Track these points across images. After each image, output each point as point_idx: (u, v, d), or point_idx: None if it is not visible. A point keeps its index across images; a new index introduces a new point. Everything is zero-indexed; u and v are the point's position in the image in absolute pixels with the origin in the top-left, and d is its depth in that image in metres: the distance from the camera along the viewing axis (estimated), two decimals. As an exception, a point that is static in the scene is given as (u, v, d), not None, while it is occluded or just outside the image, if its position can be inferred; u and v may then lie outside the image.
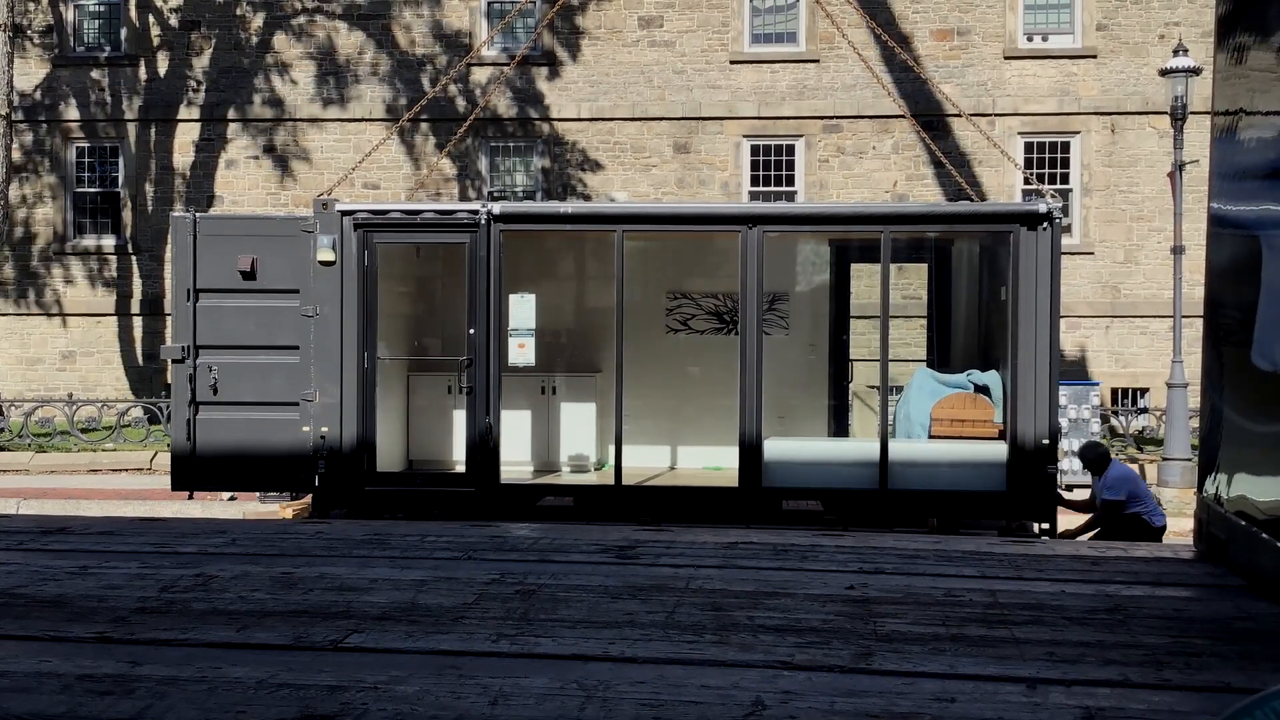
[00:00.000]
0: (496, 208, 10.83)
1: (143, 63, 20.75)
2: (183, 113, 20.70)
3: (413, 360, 12.53)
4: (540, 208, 10.90)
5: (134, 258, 20.82)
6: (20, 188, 20.43)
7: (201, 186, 20.73)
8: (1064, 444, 12.40)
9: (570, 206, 10.66)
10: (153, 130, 20.79)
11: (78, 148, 21.04)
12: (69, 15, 21.03)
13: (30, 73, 20.66)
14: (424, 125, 20.54)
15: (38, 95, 20.81)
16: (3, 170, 15.77)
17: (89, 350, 20.83)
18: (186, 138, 20.75)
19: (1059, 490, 10.84)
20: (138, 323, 20.78)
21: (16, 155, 19.49)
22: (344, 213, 10.87)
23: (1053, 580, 3.25)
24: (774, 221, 10.77)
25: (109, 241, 20.97)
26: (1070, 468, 13.56)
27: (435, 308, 12.79)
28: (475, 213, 10.80)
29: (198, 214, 11.06)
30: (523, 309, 11.18)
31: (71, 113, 20.86)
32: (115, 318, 20.80)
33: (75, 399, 18.62)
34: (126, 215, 20.91)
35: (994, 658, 2.58)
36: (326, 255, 10.81)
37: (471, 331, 10.89)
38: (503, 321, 11.00)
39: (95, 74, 20.87)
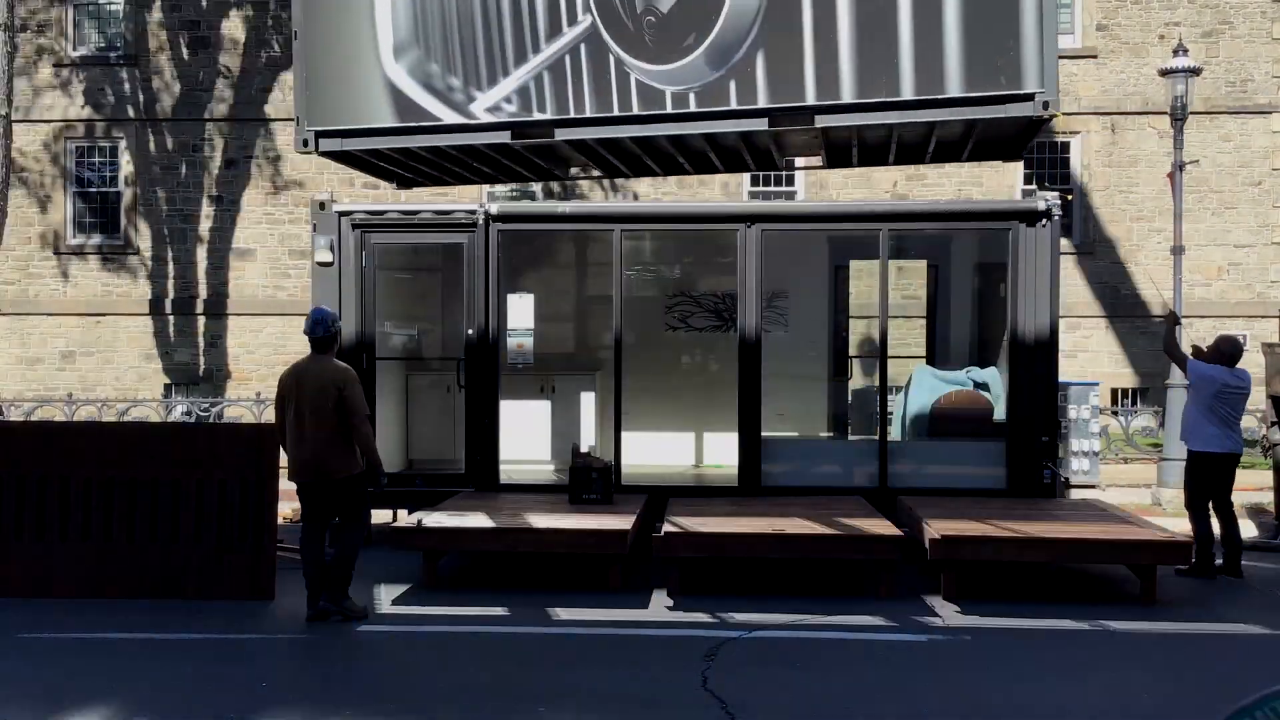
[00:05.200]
0: (494, 207, 10.84)
1: (143, 62, 20.75)
2: (181, 112, 20.70)
3: (412, 360, 12.53)
4: (538, 207, 10.91)
5: (134, 257, 20.82)
6: (20, 188, 20.43)
7: (200, 186, 20.73)
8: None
9: (568, 206, 10.67)
10: (152, 130, 20.79)
11: (78, 147, 21.05)
12: (69, 14, 21.04)
13: (31, 72, 20.67)
14: (424, 125, 20.53)
15: (38, 94, 20.81)
16: (3, 170, 15.77)
17: (89, 350, 20.83)
18: (185, 137, 20.75)
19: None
20: (138, 322, 20.78)
21: (16, 154, 19.49)
22: (341, 213, 10.88)
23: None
24: (772, 220, 10.77)
25: (109, 241, 20.97)
26: (1072, 466, 13.46)
27: (434, 307, 12.80)
28: (473, 212, 10.81)
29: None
30: (521, 308, 11.18)
31: (72, 112, 20.86)
32: (115, 318, 20.80)
33: (75, 399, 18.62)
34: (126, 215, 20.91)
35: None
36: (324, 256, 10.82)
37: (470, 331, 10.90)
38: (501, 321, 11.00)
39: (96, 73, 20.87)
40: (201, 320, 20.75)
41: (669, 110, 10.35)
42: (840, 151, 10.22)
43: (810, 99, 10.26)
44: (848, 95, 10.21)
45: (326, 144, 10.52)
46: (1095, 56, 19.70)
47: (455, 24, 10.65)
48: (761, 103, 10.30)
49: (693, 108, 10.37)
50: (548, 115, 10.53)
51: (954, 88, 10.09)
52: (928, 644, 7.17)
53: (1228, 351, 9.51)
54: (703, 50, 10.35)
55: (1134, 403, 19.40)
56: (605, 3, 10.50)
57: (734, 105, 10.33)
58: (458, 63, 10.64)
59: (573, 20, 10.52)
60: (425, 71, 10.71)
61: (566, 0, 10.49)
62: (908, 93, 10.17)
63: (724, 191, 20.05)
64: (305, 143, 10.67)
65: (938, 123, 10.01)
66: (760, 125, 10.25)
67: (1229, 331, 12.93)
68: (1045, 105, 9.74)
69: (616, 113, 10.35)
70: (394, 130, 10.54)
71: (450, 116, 10.64)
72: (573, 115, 10.39)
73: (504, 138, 10.50)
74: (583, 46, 10.50)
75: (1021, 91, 10.00)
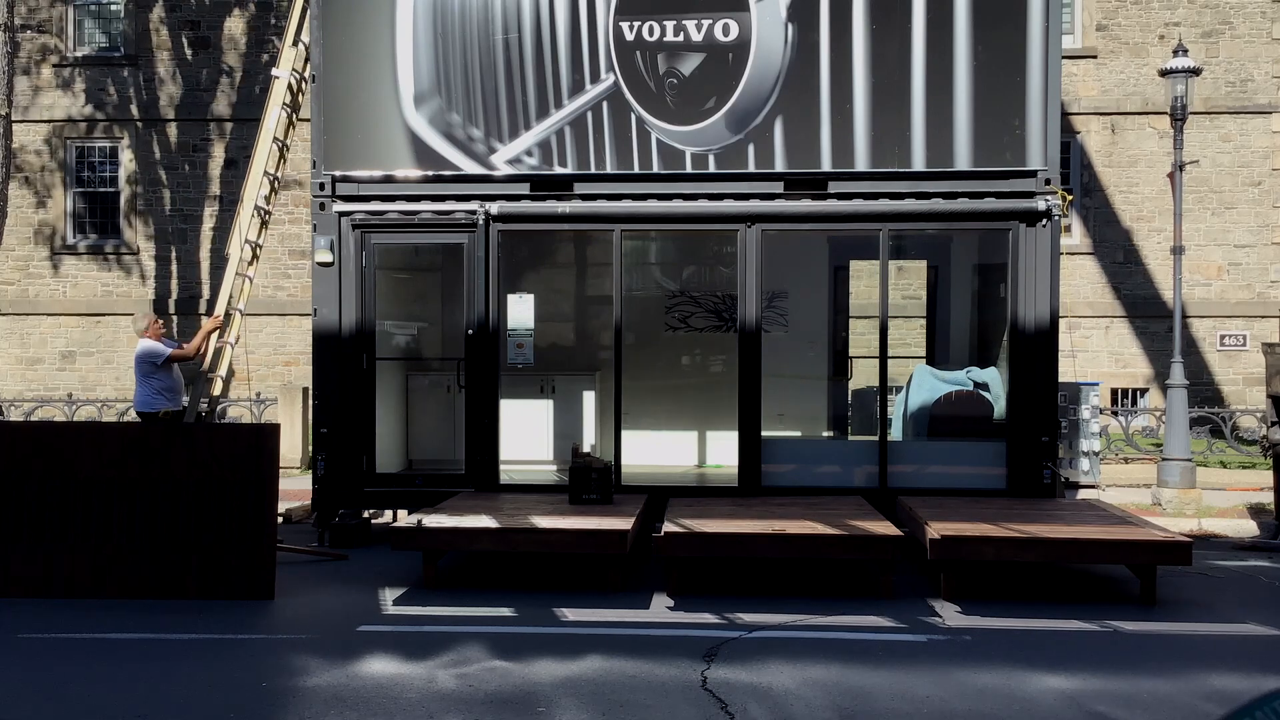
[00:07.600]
0: (494, 207, 10.85)
1: (143, 62, 20.75)
2: (182, 112, 20.70)
3: (412, 360, 12.54)
4: (538, 207, 10.89)
5: (134, 257, 20.82)
6: (20, 187, 20.43)
7: (201, 186, 20.73)
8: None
9: (568, 206, 10.67)
10: (153, 130, 20.79)
11: (78, 148, 21.04)
12: (70, 14, 21.03)
13: (31, 72, 20.67)
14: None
15: (39, 93, 20.81)
16: (3, 170, 15.77)
17: (89, 350, 20.83)
18: (186, 137, 20.74)
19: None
20: (138, 323, 20.77)
21: (16, 153, 19.50)
22: (341, 213, 10.89)
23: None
24: (772, 220, 10.78)
25: (109, 241, 20.96)
26: (1073, 466, 13.51)
27: (434, 307, 12.81)
28: (473, 213, 10.82)
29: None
30: (521, 309, 11.20)
31: (73, 111, 20.86)
32: (115, 318, 20.80)
33: (75, 399, 18.63)
34: (127, 215, 20.90)
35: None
36: (324, 257, 10.83)
37: (470, 331, 10.91)
38: (501, 321, 11.01)
39: (97, 72, 20.87)
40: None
41: (689, 170, 10.63)
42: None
43: (826, 166, 10.55)
44: (861, 164, 10.51)
45: (344, 188, 10.93)
46: (1095, 56, 19.70)
47: (478, 76, 10.83)
48: (779, 167, 10.60)
49: (712, 169, 10.62)
50: (568, 170, 10.73)
51: (962, 162, 10.50)
52: (928, 644, 7.16)
53: None
54: (723, 113, 10.57)
55: (1134, 403, 19.39)
56: (628, 63, 10.65)
57: (752, 168, 10.58)
58: (479, 114, 10.84)
59: (595, 78, 10.69)
60: (446, 121, 10.85)
61: (590, 58, 10.68)
62: (919, 164, 10.47)
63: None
64: (322, 186, 10.87)
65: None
66: (776, 188, 10.57)
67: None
68: (1047, 181, 10.35)
69: (637, 170, 10.64)
70: (413, 181, 10.83)
71: (470, 166, 10.86)
72: (593, 171, 10.67)
73: (523, 189, 10.77)
74: (605, 104, 10.68)
75: (1026, 168, 10.46)
